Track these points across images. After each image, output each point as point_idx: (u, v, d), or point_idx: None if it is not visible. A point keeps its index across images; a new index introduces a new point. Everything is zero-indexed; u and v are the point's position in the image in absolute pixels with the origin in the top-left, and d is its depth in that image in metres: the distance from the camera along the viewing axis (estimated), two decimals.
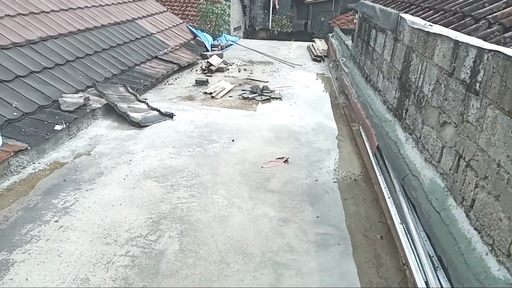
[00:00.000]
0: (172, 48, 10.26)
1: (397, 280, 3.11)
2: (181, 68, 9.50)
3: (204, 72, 9.59)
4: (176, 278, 3.04)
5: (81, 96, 5.95)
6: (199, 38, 12.10)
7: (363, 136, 5.14)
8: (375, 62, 5.64)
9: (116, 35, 8.83)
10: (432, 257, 2.84)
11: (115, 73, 7.58)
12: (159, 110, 6.57)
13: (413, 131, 3.77)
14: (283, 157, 5.12)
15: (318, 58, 11.57)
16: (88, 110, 5.84)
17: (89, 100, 6.05)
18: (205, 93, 7.91)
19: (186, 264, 3.19)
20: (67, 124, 5.30)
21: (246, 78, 9.27)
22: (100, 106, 6.11)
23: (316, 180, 4.61)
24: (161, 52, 9.67)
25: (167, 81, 8.63)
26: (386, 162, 4.14)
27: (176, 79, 8.89)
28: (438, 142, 3.17)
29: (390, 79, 4.80)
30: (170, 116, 6.46)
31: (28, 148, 4.56)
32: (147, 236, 3.51)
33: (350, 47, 8.30)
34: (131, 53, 8.69)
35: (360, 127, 5.41)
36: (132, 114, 6.14)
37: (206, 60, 10.29)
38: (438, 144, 3.16)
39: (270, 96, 7.74)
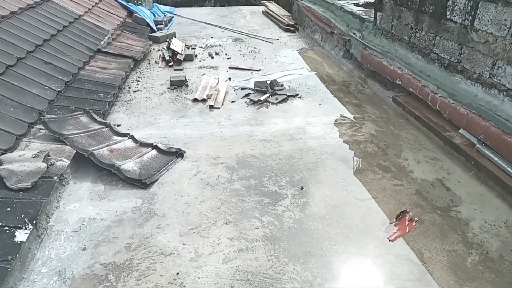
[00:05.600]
0: (112, 34, 7.52)
1: None
2: (136, 63, 6.94)
3: (169, 64, 7.14)
4: None
5: (35, 155, 3.43)
6: (136, 14, 9.31)
7: (496, 159, 3.60)
8: (473, 41, 4.06)
9: (36, 26, 5.93)
10: None
11: (59, 89, 4.95)
12: (156, 145, 4.29)
13: None
14: (405, 212, 3.38)
15: (291, 28, 9.63)
16: (55, 177, 3.40)
17: (48, 156, 3.56)
18: (195, 100, 5.65)
19: None
20: (35, 221, 2.89)
21: (230, 67, 7.08)
22: (67, 162, 3.66)
23: (487, 253, 2.99)
24: (102, 42, 6.94)
25: (129, 86, 6.13)
26: None
27: (138, 80, 6.39)
28: None
29: None
30: (180, 154, 4.24)
31: None
32: None
33: (365, 18, 6.55)
34: (66, 51, 5.93)
35: (480, 145, 3.85)
36: (125, 166, 3.82)
37: (163, 47, 7.79)
38: None
39: (286, 95, 5.77)
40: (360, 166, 4.09)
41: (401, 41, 5.48)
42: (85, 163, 3.91)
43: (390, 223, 3.27)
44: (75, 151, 3.84)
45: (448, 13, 4.41)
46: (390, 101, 5.49)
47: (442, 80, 4.51)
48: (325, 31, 8.02)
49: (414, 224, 3.26)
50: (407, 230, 3.19)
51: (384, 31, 5.92)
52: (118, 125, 4.87)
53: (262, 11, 11.78)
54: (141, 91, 5.98)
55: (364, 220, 3.32)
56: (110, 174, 3.81)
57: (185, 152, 4.26)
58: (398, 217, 3.35)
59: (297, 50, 8.18)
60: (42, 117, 4.14)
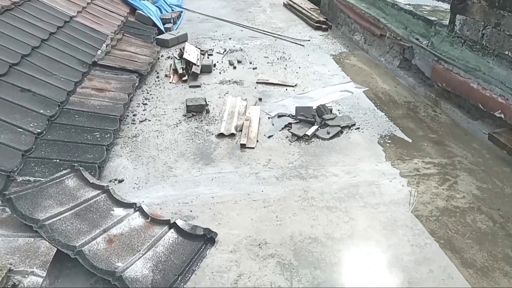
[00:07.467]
0: (112, 40, 6.12)
1: None
2: (142, 77, 5.55)
3: (182, 78, 5.75)
4: None
5: None
6: (140, 12, 7.86)
7: None
8: None
9: (13, 36, 4.56)
10: None
11: (39, 130, 3.62)
12: (175, 223, 2.95)
13: None
14: None
15: (322, 26, 8.16)
16: None
17: (11, 270, 2.24)
18: (221, 135, 4.30)
19: None
20: None
21: (258, 82, 5.68)
22: (42, 275, 2.34)
23: None
24: (99, 51, 5.56)
25: (134, 113, 4.76)
26: None
27: (145, 104, 5.02)
28: None
29: None
30: (209, 239, 2.90)
31: None
32: None
33: (433, 20, 5.11)
34: (52, 68, 4.57)
35: None
36: (131, 271, 2.50)
37: (174, 55, 6.39)
38: None
39: (340, 125, 4.39)
40: (481, 261, 2.74)
41: (499, 57, 4.06)
42: (71, 261, 2.60)
43: None
44: (55, 249, 2.51)
45: None
46: (481, 136, 4.11)
47: None
48: (370, 32, 6.57)
49: None
50: None
51: (468, 41, 4.48)
52: (121, 181, 3.54)
53: (284, 3, 10.27)
54: (149, 120, 4.62)
55: None
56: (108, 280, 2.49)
57: (216, 234, 2.92)
58: None
59: (335, 56, 6.75)
60: (6, 192, 2.80)
